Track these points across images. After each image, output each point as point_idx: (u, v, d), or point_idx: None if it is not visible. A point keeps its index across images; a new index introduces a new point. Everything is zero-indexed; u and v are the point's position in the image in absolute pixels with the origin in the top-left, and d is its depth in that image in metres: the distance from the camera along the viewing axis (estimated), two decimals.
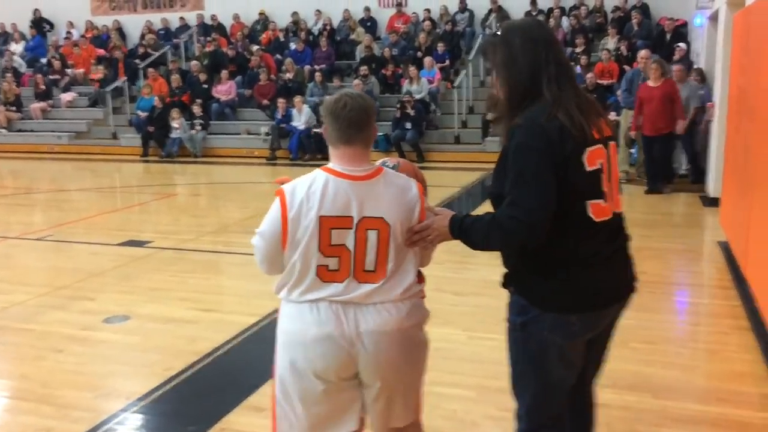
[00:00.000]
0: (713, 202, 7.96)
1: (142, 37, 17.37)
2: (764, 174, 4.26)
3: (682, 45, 12.07)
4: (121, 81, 15.67)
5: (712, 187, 8.09)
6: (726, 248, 6.10)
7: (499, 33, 2.09)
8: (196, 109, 14.19)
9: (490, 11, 15.08)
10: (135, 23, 18.09)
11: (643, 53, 10.52)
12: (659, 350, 4.10)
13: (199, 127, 14.08)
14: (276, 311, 4.62)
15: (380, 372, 2.17)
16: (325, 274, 2.15)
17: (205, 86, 14.86)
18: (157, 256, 6.37)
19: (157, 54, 16.33)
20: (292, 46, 15.78)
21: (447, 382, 3.60)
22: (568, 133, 1.92)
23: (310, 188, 2.15)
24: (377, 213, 2.14)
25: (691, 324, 4.52)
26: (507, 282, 2.21)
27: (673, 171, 9.30)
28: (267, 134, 13.63)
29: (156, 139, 14.14)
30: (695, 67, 10.73)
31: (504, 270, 2.24)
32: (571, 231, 1.99)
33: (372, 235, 2.13)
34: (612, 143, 2.08)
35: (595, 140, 1.99)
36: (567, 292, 2.04)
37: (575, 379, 2.22)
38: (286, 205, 2.16)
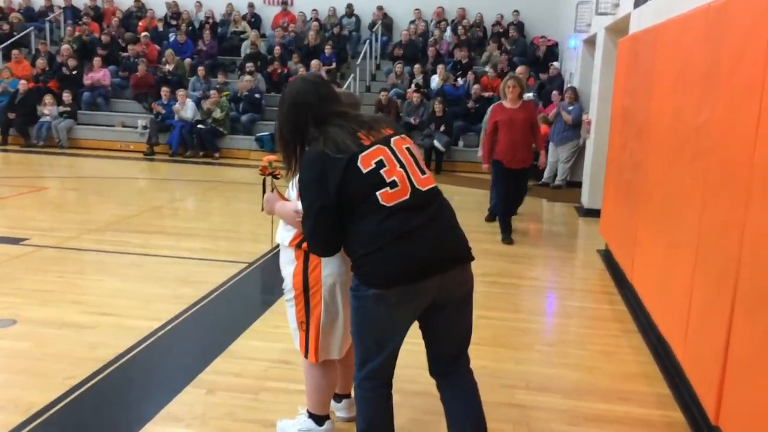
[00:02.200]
0: (588, 213, 8.57)
1: (1, 15, 15.97)
2: (653, 188, 4.64)
3: (555, 64, 12.90)
4: None
5: (587, 198, 8.69)
6: (606, 256, 6.59)
7: (282, 94, 2.66)
8: (66, 96, 13.24)
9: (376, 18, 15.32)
10: None
11: (520, 69, 11.15)
12: (561, 352, 4.34)
13: (66, 114, 13.16)
14: (178, 317, 4.48)
15: None
16: None
17: (75, 72, 13.91)
18: (38, 255, 5.88)
19: (18, 35, 15.07)
20: (172, 36, 15.15)
21: None
22: (333, 156, 2.37)
23: None
24: None
25: (585, 327, 4.82)
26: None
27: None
28: (145, 127, 12.99)
29: (18, 127, 13.05)
30: (569, 85, 11.52)
31: None
32: (370, 218, 2.38)
33: None
34: (396, 138, 2.51)
35: (366, 146, 2.42)
36: (378, 269, 2.38)
37: (401, 341, 2.57)
38: None
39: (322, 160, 2.38)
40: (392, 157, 2.45)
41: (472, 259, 2.56)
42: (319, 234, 2.46)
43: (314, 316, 2.86)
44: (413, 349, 3.79)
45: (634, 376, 4.01)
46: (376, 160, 2.42)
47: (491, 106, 7.67)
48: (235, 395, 3.52)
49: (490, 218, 7.89)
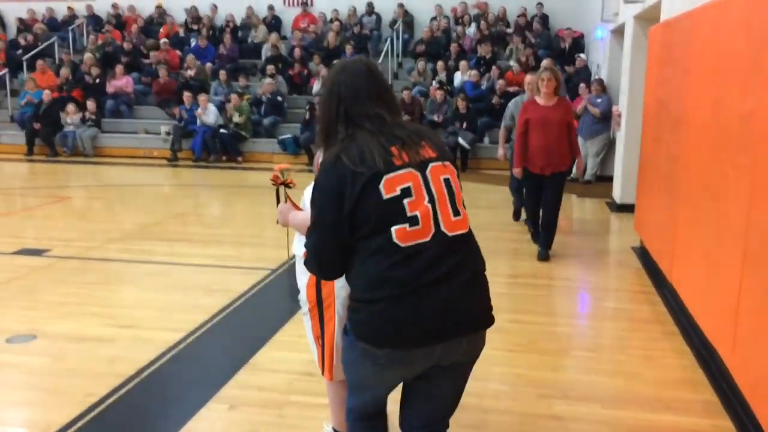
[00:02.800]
0: (620, 208, 8.29)
1: (24, 26, 16.12)
2: (692, 182, 4.40)
3: (581, 56, 12.59)
4: (1, 73, 14.45)
5: (619, 193, 8.41)
6: (641, 253, 6.33)
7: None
8: (90, 105, 13.28)
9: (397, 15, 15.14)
10: (15, 11, 16.77)
11: (546, 62, 10.83)
12: (599, 358, 4.13)
13: (90, 123, 13.21)
14: (200, 327, 4.36)
15: None
16: None
17: (98, 81, 13.96)
18: (59, 266, 5.81)
19: (43, 45, 15.19)
20: (193, 42, 15.14)
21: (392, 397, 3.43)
22: (353, 167, 1.98)
23: None
24: None
25: (624, 330, 4.60)
26: None
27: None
28: (168, 133, 12.97)
29: (43, 137, 13.13)
30: (596, 77, 11.21)
31: None
32: (377, 256, 1.97)
33: None
34: (436, 164, 2.05)
35: (396, 166, 1.98)
36: (371, 324, 2.01)
37: (387, 394, 2.25)
38: None
39: (339, 169, 1.98)
40: (423, 186, 1.99)
41: (491, 324, 2.11)
42: (322, 251, 2.06)
43: (328, 331, 2.70)
44: None
45: (678, 382, 3.78)
46: (403, 186, 1.97)
47: (513, 100, 7.29)
48: (258, 411, 3.37)
49: (517, 216, 7.55)
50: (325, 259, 2.08)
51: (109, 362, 3.89)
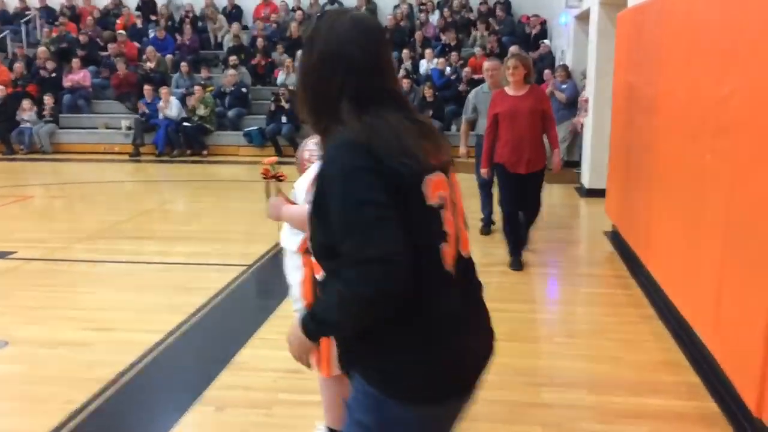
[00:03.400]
0: (589, 193, 8.39)
1: None
2: (667, 166, 4.45)
3: (546, 42, 12.68)
4: None
5: (588, 178, 8.51)
6: (614, 237, 6.41)
7: (314, 24, 1.58)
8: (48, 100, 12.89)
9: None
10: None
11: (514, 48, 10.82)
12: (581, 344, 4.16)
13: (48, 119, 12.84)
14: (178, 328, 4.27)
15: None
16: None
17: (54, 75, 13.55)
18: (26, 269, 5.63)
19: None
20: (152, 33, 14.80)
21: None
22: (392, 159, 1.44)
23: None
24: None
25: (602, 315, 4.65)
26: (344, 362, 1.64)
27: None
28: (129, 128, 12.69)
29: None
30: (560, 63, 11.31)
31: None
32: (424, 285, 1.47)
33: None
34: (452, 171, 1.64)
35: (433, 166, 1.52)
36: (429, 373, 1.51)
37: None
38: None
39: (369, 154, 1.43)
40: (449, 197, 1.57)
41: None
42: (382, 244, 1.35)
43: None
44: None
45: (660, 365, 3.84)
46: (441, 194, 1.53)
47: (473, 91, 6.58)
48: (246, 411, 3.31)
49: (486, 230, 6.64)
50: (400, 261, 1.36)
51: (87, 367, 3.77)
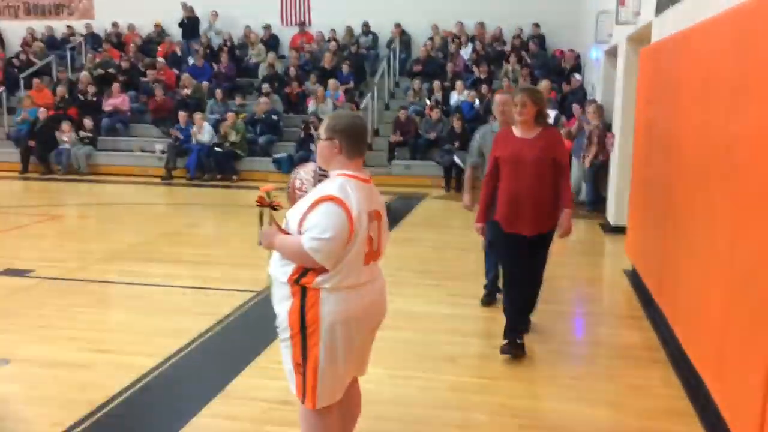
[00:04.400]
0: (614, 230, 8.21)
1: (24, 44, 16.18)
2: (680, 206, 4.32)
3: (577, 75, 12.58)
4: None
5: (613, 215, 8.33)
6: (632, 277, 6.24)
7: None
8: (87, 123, 13.26)
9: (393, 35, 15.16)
10: (15, 30, 16.86)
11: (544, 83, 10.74)
12: (585, 386, 4.01)
13: (86, 141, 13.19)
14: (178, 352, 4.27)
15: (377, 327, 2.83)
16: (365, 260, 2.64)
17: (95, 99, 13.96)
18: (41, 288, 5.73)
19: (41, 63, 15.22)
20: (191, 61, 15.16)
21: (372, 429, 3.34)
22: None
23: (353, 191, 2.58)
24: (379, 207, 2.74)
25: (612, 357, 4.49)
26: None
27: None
28: (163, 152, 12.94)
29: (38, 155, 13.10)
30: (590, 98, 11.18)
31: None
32: None
33: (379, 224, 2.72)
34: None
35: None
36: None
37: None
38: (349, 207, 2.54)
39: None
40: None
41: None
42: None
43: (311, 357, 2.61)
44: (420, 385, 3.52)
45: (664, 413, 3.67)
46: None
47: (479, 130, 5.45)
48: None
49: (488, 299, 5.39)
50: None
51: (80, 389, 3.79)
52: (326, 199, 2.53)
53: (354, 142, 2.69)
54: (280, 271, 2.66)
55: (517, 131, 4.38)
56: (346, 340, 2.63)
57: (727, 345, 3.17)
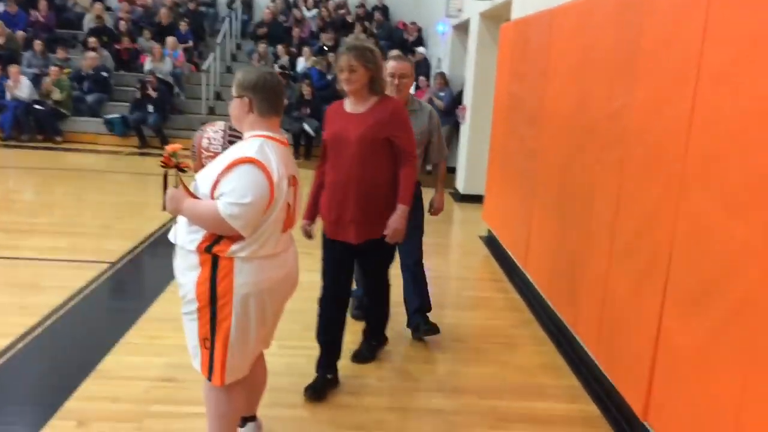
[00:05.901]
0: (464, 198, 8.56)
1: None
2: (551, 176, 4.56)
3: (421, 49, 12.87)
4: None
5: (463, 184, 8.68)
6: (489, 242, 6.55)
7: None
8: None
9: None
10: None
11: (395, 52, 10.82)
12: (467, 348, 4.15)
13: None
14: (33, 329, 3.79)
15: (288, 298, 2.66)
16: (283, 228, 2.49)
17: None
18: None
19: None
20: (1, 7, 13.42)
21: (269, 401, 3.19)
22: None
23: (271, 153, 2.39)
24: (295, 171, 2.57)
25: (484, 318, 4.68)
26: None
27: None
28: None
29: None
30: (437, 71, 11.50)
31: None
32: None
33: (295, 189, 2.57)
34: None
35: None
36: None
37: None
38: (270, 171, 2.35)
39: None
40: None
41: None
42: None
43: (221, 331, 2.40)
44: (311, 354, 3.41)
45: (543, 369, 3.90)
46: None
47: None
48: (113, 426, 2.96)
49: (358, 312, 4.34)
50: None
51: None
52: (245, 161, 2.30)
53: (266, 98, 2.47)
54: (186, 238, 2.40)
55: (347, 104, 3.31)
56: (259, 313, 2.46)
57: (607, 304, 3.41)
